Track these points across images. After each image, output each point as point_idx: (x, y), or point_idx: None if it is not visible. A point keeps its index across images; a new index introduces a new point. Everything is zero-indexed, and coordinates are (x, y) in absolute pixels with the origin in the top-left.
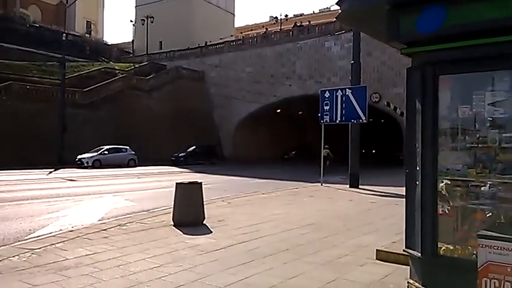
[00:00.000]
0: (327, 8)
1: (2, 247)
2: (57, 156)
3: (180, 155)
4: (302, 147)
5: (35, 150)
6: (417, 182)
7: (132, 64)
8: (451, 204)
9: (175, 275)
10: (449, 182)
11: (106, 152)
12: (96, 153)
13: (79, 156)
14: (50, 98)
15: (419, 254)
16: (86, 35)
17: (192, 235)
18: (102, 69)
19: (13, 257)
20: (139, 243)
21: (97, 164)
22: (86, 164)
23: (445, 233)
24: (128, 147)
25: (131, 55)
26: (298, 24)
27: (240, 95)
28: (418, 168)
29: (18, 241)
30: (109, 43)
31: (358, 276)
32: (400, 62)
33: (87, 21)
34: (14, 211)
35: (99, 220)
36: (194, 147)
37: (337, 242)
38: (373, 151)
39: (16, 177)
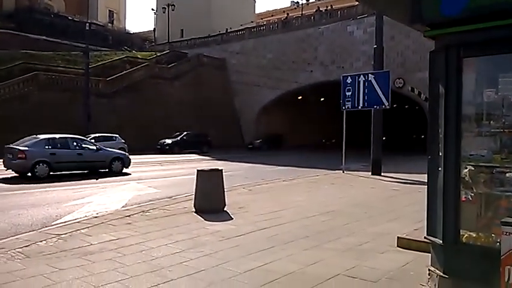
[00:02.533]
0: None
1: (30, 232)
2: None
3: (165, 142)
4: (330, 132)
5: None
6: (440, 168)
7: (154, 53)
8: (475, 190)
9: (197, 260)
10: (473, 168)
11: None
12: None
13: None
14: (74, 87)
15: (441, 241)
16: (109, 24)
17: (213, 221)
18: (125, 58)
19: (40, 241)
20: (162, 229)
21: None
22: None
23: (467, 220)
24: (117, 136)
25: (153, 44)
26: (320, 9)
27: (261, 81)
28: (440, 154)
29: (45, 226)
30: (131, 32)
31: (378, 263)
32: (424, 46)
33: (109, 10)
34: (42, 197)
35: (122, 207)
36: (183, 134)
37: (358, 229)
38: (384, 138)
39: None
